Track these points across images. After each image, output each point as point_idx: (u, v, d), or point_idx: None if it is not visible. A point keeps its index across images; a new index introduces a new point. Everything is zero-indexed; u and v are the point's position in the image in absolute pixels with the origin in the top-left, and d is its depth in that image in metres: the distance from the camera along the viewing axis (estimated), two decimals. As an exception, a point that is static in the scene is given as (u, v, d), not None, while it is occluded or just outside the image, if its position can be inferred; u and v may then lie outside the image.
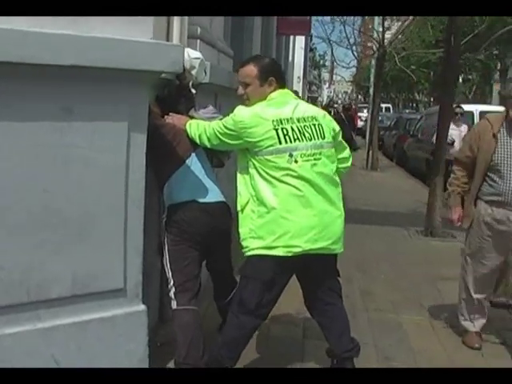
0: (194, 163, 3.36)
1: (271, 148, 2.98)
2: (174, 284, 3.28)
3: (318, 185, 3.04)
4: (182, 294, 3.28)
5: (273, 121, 2.99)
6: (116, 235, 2.87)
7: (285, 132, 3.00)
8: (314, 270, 3.20)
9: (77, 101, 2.65)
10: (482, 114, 11.01)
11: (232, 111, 3.11)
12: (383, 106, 30.89)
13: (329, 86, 75.48)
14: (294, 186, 3.00)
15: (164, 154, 3.28)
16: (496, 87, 28.09)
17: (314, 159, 3.05)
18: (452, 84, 7.94)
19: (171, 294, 3.29)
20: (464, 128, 9.71)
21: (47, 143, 2.60)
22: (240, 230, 3.11)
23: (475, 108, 12.41)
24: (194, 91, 3.54)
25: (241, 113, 3.05)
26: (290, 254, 3.00)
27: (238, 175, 3.15)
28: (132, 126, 2.82)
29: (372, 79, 18.38)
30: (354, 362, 3.27)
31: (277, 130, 2.98)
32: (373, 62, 19.07)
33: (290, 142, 3.00)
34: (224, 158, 3.67)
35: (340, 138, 3.30)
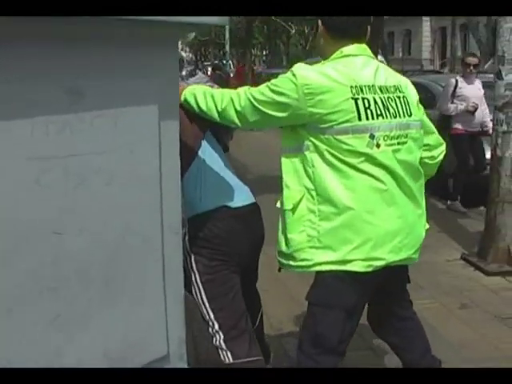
0: (208, 154, 2.46)
1: (347, 125, 2.17)
2: (220, 329, 2.43)
3: (401, 176, 2.27)
4: (235, 341, 2.44)
5: (351, 87, 2.18)
6: (154, 282, 1.93)
7: (366, 104, 2.19)
8: (390, 283, 2.46)
9: (88, 77, 1.65)
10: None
11: None
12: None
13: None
14: (375, 178, 2.21)
15: None
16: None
17: (398, 143, 2.27)
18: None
19: (218, 342, 2.43)
20: (479, 85, 6.64)
21: (48, 153, 1.60)
22: (289, 236, 2.29)
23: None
24: (183, 54, 2.94)
25: (304, 72, 2.19)
26: (370, 269, 2.23)
27: (284, 161, 2.31)
28: (163, 111, 1.84)
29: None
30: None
31: (356, 100, 2.18)
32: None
33: (372, 118, 2.20)
34: (228, 140, 2.77)
35: (426, 117, 2.51)
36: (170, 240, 1.93)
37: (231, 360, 2.42)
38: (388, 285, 2.44)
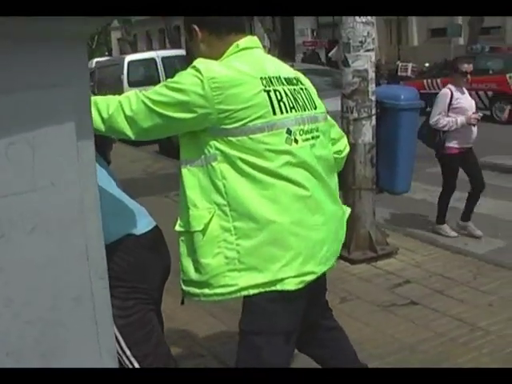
0: (99, 175, 1.90)
1: (262, 121, 1.90)
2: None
3: (321, 175, 2.05)
4: None
5: (261, 78, 1.93)
6: (90, 344, 1.53)
7: (278, 96, 1.95)
8: (316, 294, 2.23)
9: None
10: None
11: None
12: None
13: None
14: (297, 184, 1.96)
15: None
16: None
17: (312, 137, 2.05)
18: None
19: None
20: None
21: None
22: (202, 262, 1.96)
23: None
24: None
25: (208, 66, 1.90)
26: (302, 285, 1.98)
27: (186, 175, 1.97)
28: (79, 129, 1.41)
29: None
30: None
31: (269, 92, 1.93)
32: None
33: (286, 111, 1.96)
34: (109, 152, 2.33)
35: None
36: (98, 289, 1.51)
37: None
38: (315, 296, 2.20)
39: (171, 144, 8.19)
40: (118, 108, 1.90)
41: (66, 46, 1.35)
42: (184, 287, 2.05)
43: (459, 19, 23.17)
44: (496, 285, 4.05)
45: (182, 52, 12.78)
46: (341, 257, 4.62)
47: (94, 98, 1.90)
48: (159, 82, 10.56)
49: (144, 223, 2.09)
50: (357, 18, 4.27)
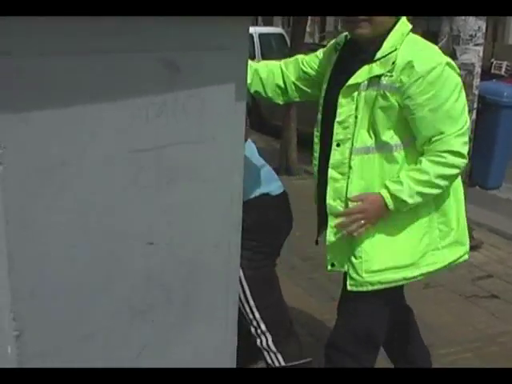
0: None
1: None
2: (267, 329, 2.20)
3: None
4: (285, 342, 2.25)
5: None
6: (220, 297, 1.65)
7: None
8: None
9: (181, 48, 1.37)
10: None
11: None
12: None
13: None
14: None
15: None
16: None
17: None
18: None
19: (266, 344, 2.21)
20: None
21: (146, 144, 1.30)
22: None
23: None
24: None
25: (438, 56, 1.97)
26: None
27: None
28: (237, 90, 1.54)
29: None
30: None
31: None
32: None
33: None
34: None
35: None
36: (234, 240, 1.66)
37: (282, 363, 2.23)
38: None
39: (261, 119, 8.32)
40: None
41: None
42: None
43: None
44: None
45: (278, 30, 12.85)
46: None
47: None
48: (254, 57, 10.69)
49: (276, 186, 2.27)
50: (470, 11, 4.29)
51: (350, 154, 1.97)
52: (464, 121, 1.92)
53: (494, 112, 4.67)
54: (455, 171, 1.92)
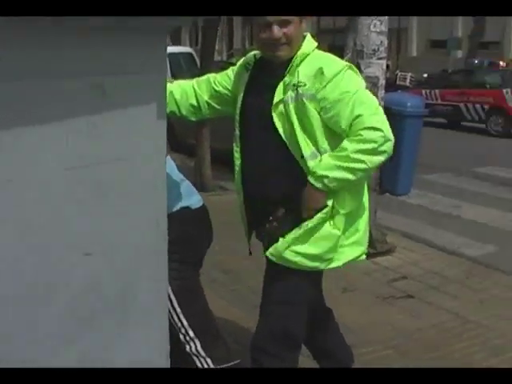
0: None
1: None
2: (195, 335, 2.31)
3: None
4: (212, 346, 2.35)
5: None
6: (159, 302, 1.75)
7: None
8: None
9: (106, 70, 1.45)
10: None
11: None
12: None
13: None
14: None
15: None
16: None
17: None
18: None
19: (195, 350, 2.31)
20: None
21: (81, 161, 1.38)
22: None
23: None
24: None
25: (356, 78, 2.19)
26: None
27: None
28: (159, 110, 1.64)
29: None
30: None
31: None
32: None
33: None
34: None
35: None
36: (162, 250, 1.74)
37: (212, 366, 2.32)
38: None
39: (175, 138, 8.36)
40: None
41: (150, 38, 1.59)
42: None
43: (459, 32, 23.49)
44: (487, 284, 4.31)
45: (187, 49, 12.95)
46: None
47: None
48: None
49: (196, 200, 2.41)
50: (371, 27, 4.52)
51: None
52: (376, 103, 2.12)
53: (399, 121, 4.90)
54: (372, 145, 2.03)
